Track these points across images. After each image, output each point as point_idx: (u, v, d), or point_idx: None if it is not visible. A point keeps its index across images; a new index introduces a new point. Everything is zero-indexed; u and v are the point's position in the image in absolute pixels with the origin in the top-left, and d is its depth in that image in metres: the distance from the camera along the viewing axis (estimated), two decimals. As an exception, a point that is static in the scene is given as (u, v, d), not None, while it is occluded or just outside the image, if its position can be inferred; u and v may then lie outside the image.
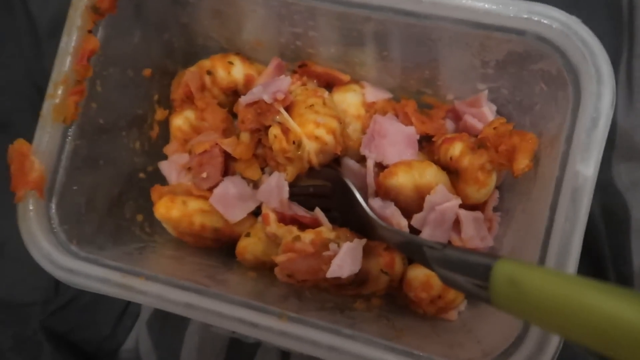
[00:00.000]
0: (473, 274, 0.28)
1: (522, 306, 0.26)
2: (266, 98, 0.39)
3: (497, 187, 0.42)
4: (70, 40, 0.34)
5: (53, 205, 0.36)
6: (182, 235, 0.45)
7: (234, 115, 0.47)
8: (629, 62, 0.44)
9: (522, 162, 0.36)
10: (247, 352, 0.46)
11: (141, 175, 0.46)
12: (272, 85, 0.40)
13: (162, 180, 0.47)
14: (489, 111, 0.42)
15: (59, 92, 0.35)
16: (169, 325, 0.47)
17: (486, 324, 0.36)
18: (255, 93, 0.40)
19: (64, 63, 0.35)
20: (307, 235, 0.38)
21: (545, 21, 0.31)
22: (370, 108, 0.44)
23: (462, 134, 0.42)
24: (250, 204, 0.44)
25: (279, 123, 0.39)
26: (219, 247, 0.46)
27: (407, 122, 0.44)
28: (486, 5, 0.31)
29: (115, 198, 0.43)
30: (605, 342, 0.23)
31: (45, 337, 0.48)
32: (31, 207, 0.35)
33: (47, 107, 0.35)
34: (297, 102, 0.40)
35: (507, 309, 0.28)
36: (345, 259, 0.37)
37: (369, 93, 0.45)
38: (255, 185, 0.44)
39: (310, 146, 0.39)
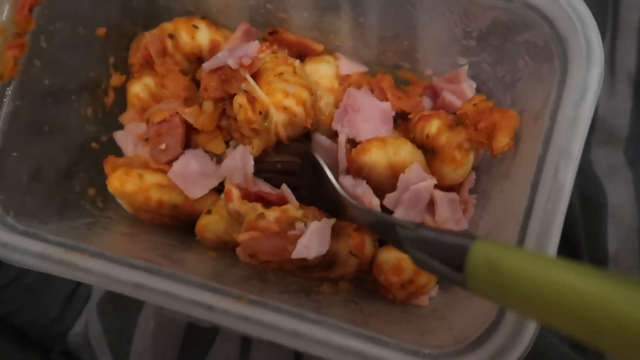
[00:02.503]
0: (448, 256, 0.26)
1: (500, 290, 0.24)
2: (231, 63, 0.36)
3: (474, 169, 0.40)
4: (8, -14, 0.30)
5: (-13, 173, 0.32)
6: (137, 212, 0.42)
7: (198, 85, 0.43)
8: (612, 43, 0.42)
9: (502, 141, 0.34)
10: (206, 337, 0.44)
11: (94, 145, 0.42)
12: (238, 49, 0.37)
13: (117, 152, 0.43)
14: (468, 88, 0.40)
15: (-4, 45, 0.31)
16: (121, 309, 0.44)
17: (458, 311, 0.35)
18: (220, 58, 0.37)
19: (1, 12, 0.31)
20: (272, 213, 0.35)
21: (534, -14, 0.28)
22: (344, 81, 0.42)
23: (440, 111, 0.40)
24: (213, 180, 0.41)
25: (245, 91, 0.36)
26: (178, 225, 0.43)
27: (383, 97, 0.41)
28: (472, -34, 0.28)
29: (63, 169, 0.39)
30: (585, 327, 0.21)
31: None
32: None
33: (-19, 61, 0.31)
34: (265, 69, 0.37)
35: (483, 293, 0.26)
36: (313, 239, 0.34)
37: (344, 65, 0.42)
38: (219, 160, 0.41)
39: (278, 117, 0.36)
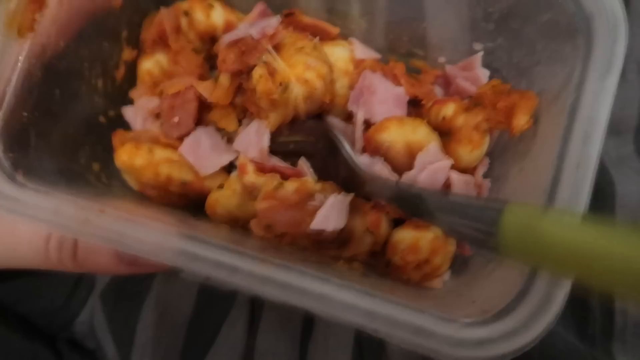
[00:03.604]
0: (480, 221, 0.26)
1: (535, 251, 0.24)
2: (254, 33, 0.35)
3: (487, 154, 0.40)
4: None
5: (-2, 128, 0.30)
6: (144, 188, 0.40)
7: (210, 64, 0.43)
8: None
9: (522, 119, 0.34)
10: (211, 327, 0.42)
11: (101, 119, 0.41)
12: (259, 23, 0.37)
13: (125, 128, 0.42)
14: (482, 74, 0.40)
15: (16, -4, 0.30)
16: (124, 299, 0.43)
17: (477, 288, 0.34)
18: (241, 29, 0.37)
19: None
20: (291, 184, 0.34)
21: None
22: (359, 65, 0.42)
23: (454, 97, 0.40)
24: (225, 157, 0.40)
25: (265, 63, 0.36)
26: (185, 205, 0.42)
27: (396, 83, 0.42)
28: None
29: (70, 138, 0.37)
30: (627, 284, 0.21)
31: None
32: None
33: (0, 13, 0.30)
34: (285, 44, 0.37)
35: (517, 256, 0.26)
36: (331, 211, 0.34)
37: (358, 51, 0.42)
38: (230, 139, 0.41)
39: (298, 90, 0.36)
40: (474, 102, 0.37)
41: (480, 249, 0.36)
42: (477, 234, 0.26)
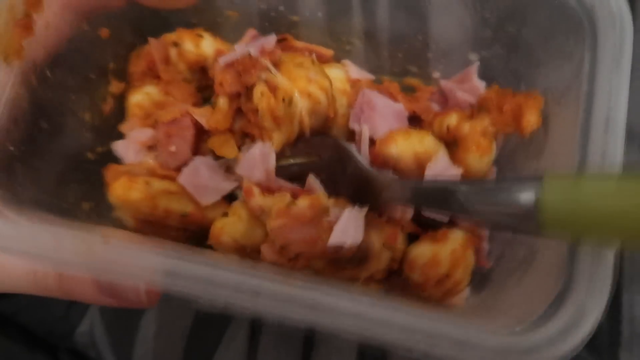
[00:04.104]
0: (516, 203, 0.25)
1: (581, 223, 0.23)
2: (252, 51, 0.35)
3: (494, 162, 0.39)
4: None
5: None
6: (141, 225, 0.38)
7: (202, 95, 0.42)
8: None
9: (532, 119, 0.34)
10: (210, 339, 0.41)
11: (89, 155, 0.39)
12: (256, 42, 0.36)
13: (114, 164, 0.40)
14: (480, 83, 0.40)
15: (2, 20, 0.28)
16: (123, 311, 0.42)
17: (507, 298, 0.32)
18: (238, 51, 0.36)
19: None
20: (304, 201, 0.32)
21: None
22: (355, 84, 0.41)
23: (454, 108, 0.40)
24: (225, 186, 0.38)
25: (266, 81, 0.35)
26: (184, 240, 0.39)
27: (394, 100, 0.41)
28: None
29: (57, 174, 0.35)
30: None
31: None
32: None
33: (-15, 37, 0.28)
34: (283, 61, 0.36)
35: (561, 231, 0.24)
36: (349, 224, 0.32)
37: (352, 72, 0.42)
38: (229, 168, 0.39)
39: (302, 104, 0.34)
40: (478, 107, 0.37)
41: (518, 233, 0.35)
42: (515, 218, 0.25)
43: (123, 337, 0.41)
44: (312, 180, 0.35)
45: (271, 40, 0.35)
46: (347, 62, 0.43)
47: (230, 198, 0.38)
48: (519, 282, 0.32)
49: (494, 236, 0.38)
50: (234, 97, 0.37)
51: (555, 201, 0.23)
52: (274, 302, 0.25)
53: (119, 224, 0.38)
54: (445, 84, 0.42)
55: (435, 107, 0.43)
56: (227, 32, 0.42)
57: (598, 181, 0.22)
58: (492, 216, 0.25)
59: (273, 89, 0.35)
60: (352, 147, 0.36)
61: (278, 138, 0.35)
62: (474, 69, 0.40)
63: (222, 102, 0.37)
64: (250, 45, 0.36)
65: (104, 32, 0.38)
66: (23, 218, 0.28)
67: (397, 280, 0.37)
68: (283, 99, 0.34)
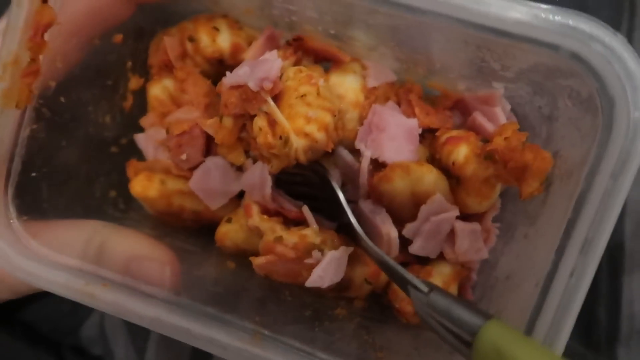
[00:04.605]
0: (458, 329, 0.26)
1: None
2: (252, 86, 0.34)
3: (500, 195, 0.38)
4: (20, 13, 0.29)
5: (9, 198, 0.32)
6: (160, 215, 0.42)
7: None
8: (629, 35, 0.40)
9: (532, 185, 0.32)
10: None
11: (114, 149, 0.42)
12: (260, 68, 0.35)
13: (138, 154, 0.43)
14: (501, 112, 0.37)
15: (8, 75, 0.30)
16: None
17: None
18: (241, 76, 0.35)
19: (13, 40, 0.29)
20: (291, 238, 0.35)
21: (584, 39, 0.26)
22: (371, 94, 0.40)
23: (469, 134, 0.38)
24: (233, 188, 0.41)
25: (266, 113, 0.35)
26: (199, 227, 0.43)
27: (410, 111, 0.40)
28: (517, 15, 0.26)
29: (82, 178, 0.39)
30: None
31: None
32: (-17, 201, 0.31)
33: (-5, 91, 0.30)
34: (287, 88, 0.35)
35: None
36: (328, 268, 0.34)
37: (372, 76, 0.40)
38: (239, 167, 0.41)
39: (298, 143, 0.35)
40: (485, 155, 0.35)
41: (454, 351, 0.36)
42: (453, 341, 0.27)
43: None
44: (306, 211, 0.36)
45: (275, 69, 0.34)
46: (368, 63, 0.40)
47: (241, 195, 0.41)
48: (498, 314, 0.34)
49: (482, 268, 0.39)
50: (239, 116, 0.37)
51: (487, 347, 0.24)
52: (239, 357, 0.30)
53: (142, 209, 0.43)
54: (469, 97, 0.39)
55: (457, 116, 0.41)
56: (246, 19, 0.41)
57: (532, 352, 0.23)
58: (431, 322, 0.27)
59: (272, 122, 0.35)
60: (340, 193, 0.36)
61: (276, 164, 0.36)
62: (498, 95, 0.37)
63: (227, 121, 0.37)
64: (254, 69, 0.35)
65: (117, 38, 0.38)
66: (45, 247, 0.33)
67: (381, 300, 0.40)
68: (280, 137, 0.34)
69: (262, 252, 0.36)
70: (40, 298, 0.45)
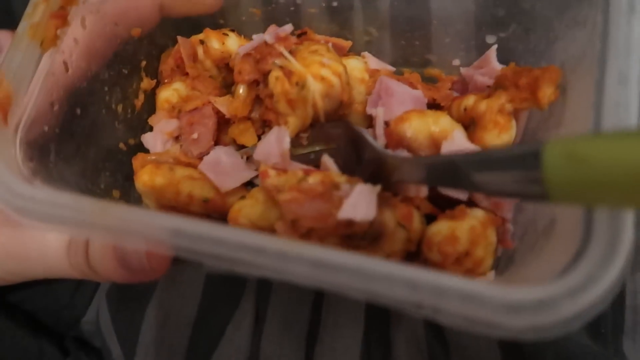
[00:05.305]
0: (521, 169, 0.24)
1: (588, 184, 0.22)
2: (268, 38, 0.36)
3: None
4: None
5: (18, 137, 0.30)
6: (165, 211, 0.39)
7: (227, 90, 0.44)
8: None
9: (548, 91, 0.33)
10: (216, 328, 0.41)
11: (121, 145, 0.41)
12: (272, 31, 0.37)
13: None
14: (499, 67, 0.40)
15: (39, 11, 0.31)
16: (129, 299, 0.42)
17: (527, 274, 0.31)
18: (255, 40, 0.37)
19: (47, -16, 0.31)
20: (315, 177, 0.33)
21: None
22: (374, 74, 0.42)
23: (473, 91, 0.40)
24: (245, 174, 0.39)
25: (281, 67, 0.36)
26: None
27: (413, 89, 0.42)
28: None
29: (90, 160, 0.37)
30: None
31: None
32: (-8, 129, 0.29)
33: (24, 25, 0.31)
34: (299, 49, 0.38)
35: (570, 196, 0.23)
36: (360, 200, 0.32)
37: (372, 63, 0.43)
38: (249, 158, 0.40)
39: (315, 87, 0.35)
40: (495, 86, 0.36)
41: (529, 201, 0.33)
42: (522, 185, 0.24)
43: (129, 325, 0.41)
44: (326, 159, 0.35)
45: (287, 28, 0.37)
46: (366, 54, 0.43)
47: (250, 186, 0.40)
48: (540, 254, 0.30)
49: (517, 218, 0.37)
50: (252, 85, 0.38)
51: (558, 166, 0.22)
52: (277, 259, 0.25)
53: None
54: (465, 71, 0.42)
55: (456, 95, 0.43)
56: (251, 30, 0.44)
57: (604, 139, 0.21)
58: (498, 185, 0.25)
59: (288, 74, 0.36)
60: (364, 131, 0.36)
61: (293, 122, 0.36)
62: (492, 52, 0.40)
63: (241, 89, 0.38)
64: (266, 33, 0.37)
65: (136, 32, 0.41)
66: (50, 187, 0.30)
67: (416, 263, 0.36)
68: (297, 83, 0.35)
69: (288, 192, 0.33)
70: (39, 289, 0.43)
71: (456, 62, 0.42)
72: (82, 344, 0.44)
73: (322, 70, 0.35)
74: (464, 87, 0.43)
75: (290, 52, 0.37)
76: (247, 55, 0.38)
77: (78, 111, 0.36)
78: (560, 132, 0.32)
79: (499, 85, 0.36)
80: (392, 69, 0.43)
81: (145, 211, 0.27)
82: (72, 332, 0.44)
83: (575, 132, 0.30)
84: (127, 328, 0.41)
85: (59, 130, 0.34)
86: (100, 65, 0.37)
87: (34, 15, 0.31)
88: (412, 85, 0.42)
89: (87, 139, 0.37)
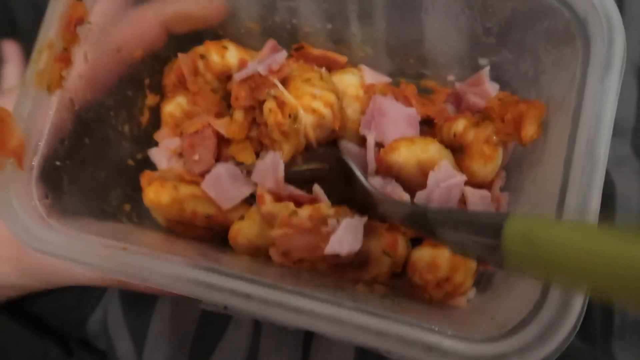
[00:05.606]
0: (483, 236, 0.26)
1: (539, 264, 0.24)
2: (261, 70, 0.37)
3: (504, 167, 0.40)
4: (58, 6, 0.33)
5: (32, 178, 0.33)
6: (172, 225, 0.42)
7: (227, 102, 0.45)
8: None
9: (531, 129, 0.34)
10: (219, 325, 0.44)
11: (129, 162, 0.44)
12: (267, 59, 0.39)
13: (152, 169, 0.44)
14: (491, 88, 0.40)
15: (43, 57, 0.33)
16: (141, 293, 0.45)
17: (500, 303, 0.34)
18: (250, 67, 0.39)
19: (50, 29, 0.33)
20: (305, 211, 0.35)
21: (549, -28, 0.30)
22: (369, 90, 0.43)
23: (465, 112, 0.40)
24: (244, 190, 0.42)
25: (274, 97, 0.38)
26: (211, 237, 0.43)
27: (408, 105, 0.42)
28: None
29: (101, 181, 0.40)
30: (629, 289, 0.21)
31: None
32: (9, 177, 0.32)
33: (31, 72, 0.33)
34: (293, 77, 0.39)
35: (522, 270, 0.25)
36: (345, 234, 0.34)
37: (368, 76, 0.44)
38: (249, 172, 0.42)
39: (307, 119, 0.37)
40: (482, 116, 0.37)
41: (488, 265, 0.36)
42: (483, 249, 0.26)
43: (139, 317, 0.44)
44: (317, 189, 0.37)
45: (280, 57, 0.38)
46: (363, 66, 0.44)
47: (251, 200, 0.42)
48: (511, 288, 0.33)
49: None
50: (249, 109, 0.40)
51: (515, 240, 0.23)
52: (264, 305, 0.29)
53: (155, 223, 0.43)
54: (459, 86, 0.43)
55: (451, 108, 0.44)
56: (250, 41, 0.45)
57: (559, 224, 0.23)
58: (462, 245, 0.27)
59: (281, 104, 0.37)
60: (353, 164, 0.38)
61: (287, 149, 0.38)
62: (485, 72, 0.40)
63: (238, 114, 0.40)
64: (261, 62, 0.38)
65: (138, 54, 0.42)
66: (64, 226, 0.33)
67: (401, 282, 0.39)
68: (289, 115, 0.37)
69: (279, 228, 0.36)
70: (46, 292, 0.45)
71: (451, 77, 0.43)
72: (86, 346, 0.46)
73: (314, 102, 0.37)
74: (458, 100, 0.43)
75: (284, 80, 0.38)
76: (243, 81, 0.39)
77: (87, 140, 0.38)
78: (538, 173, 0.34)
79: (486, 115, 0.37)
80: (389, 80, 0.44)
81: (147, 258, 0.30)
82: (77, 334, 0.46)
83: (547, 177, 0.31)
84: (138, 320, 0.45)
85: (70, 161, 0.37)
86: (106, 92, 0.39)
87: (39, 60, 0.33)
88: (406, 101, 0.43)
89: (97, 163, 0.40)
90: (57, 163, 0.36)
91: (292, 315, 0.28)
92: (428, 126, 0.43)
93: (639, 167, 0.43)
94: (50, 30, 0.33)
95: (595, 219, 0.27)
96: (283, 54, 0.39)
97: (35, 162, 0.34)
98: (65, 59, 0.34)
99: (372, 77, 0.44)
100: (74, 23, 0.34)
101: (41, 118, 0.34)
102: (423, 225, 0.31)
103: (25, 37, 0.53)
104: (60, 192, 0.36)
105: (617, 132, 0.26)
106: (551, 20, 0.32)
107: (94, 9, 0.35)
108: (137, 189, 0.43)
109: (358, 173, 0.37)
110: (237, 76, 0.39)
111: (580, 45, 0.30)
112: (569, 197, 0.28)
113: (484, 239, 0.26)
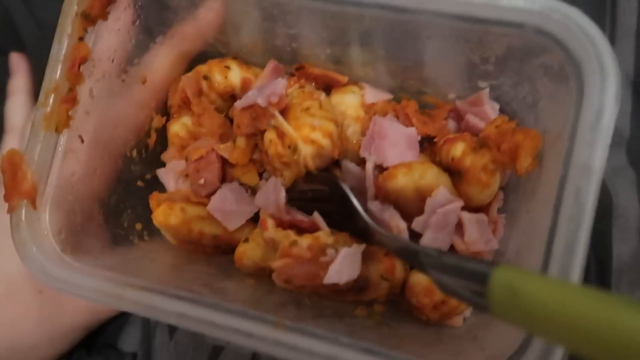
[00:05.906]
0: (470, 282, 0.27)
1: (521, 316, 0.25)
2: (260, 102, 0.38)
3: (502, 188, 0.40)
4: (61, 48, 0.34)
5: (46, 216, 0.35)
6: (181, 243, 0.44)
7: (231, 121, 0.46)
8: (611, 46, 0.44)
9: (526, 161, 0.34)
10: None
11: (139, 183, 0.45)
12: (266, 88, 0.39)
13: (161, 188, 0.46)
14: (491, 109, 0.41)
15: (50, 100, 0.35)
16: None
17: (492, 331, 0.35)
18: (250, 97, 0.39)
19: (55, 71, 0.34)
20: (305, 240, 0.37)
21: (544, 13, 0.29)
22: (370, 109, 0.43)
23: (464, 133, 0.41)
24: (249, 211, 0.43)
25: (274, 127, 0.39)
26: (219, 254, 0.45)
27: (408, 123, 0.43)
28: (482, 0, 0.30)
29: (112, 207, 0.42)
30: (608, 354, 0.22)
31: None
32: (23, 218, 0.34)
33: (39, 116, 0.35)
34: (292, 105, 0.39)
35: (506, 318, 0.26)
36: (343, 264, 0.36)
37: (369, 94, 0.44)
38: (253, 191, 0.44)
39: (306, 150, 0.38)
40: (479, 143, 0.37)
41: (473, 308, 0.37)
42: (469, 295, 0.27)
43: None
44: (317, 217, 0.38)
45: (280, 87, 0.38)
46: (364, 84, 0.44)
47: (256, 218, 0.44)
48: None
49: (494, 257, 0.40)
50: (251, 135, 0.41)
51: (500, 291, 0.24)
52: (264, 343, 0.31)
53: (166, 240, 0.45)
54: (460, 104, 0.43)
55: (452, 124, 0.44)
56: (254, 58, 0.46)
57: (544, 282, 0.24)
58: (449, 285, 0.28)
59: (281, 134, 0.38)
60: (351, 193, 0.38)
61: (288, 175, 0.39)
62: (485, 94, 0.40)
63: (240, 141, 0.41)
64: (261, 91, 0.39)
65: (143, 79, 0.43)
66: (79, 262, 0.35)
67: (399, 302, 0.40)
68: (289, 146, 0.38)
69: (280, 258, 0.37)
70: None
71: (452, 95, 0.43)
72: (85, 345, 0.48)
73: (313, 134, 0.38)
74: (459, 117, 0.44)
75: (284, 109, 0.39)
76: (245, 109, 0.40)
77: (97, 172, 0.40)
78: (532, 206, 0.34)
79: (483, 143, 0.37)
80: (390, 96, 0.44)
81: (154, 296, 0.32)
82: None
83: (539, 215, 0.32)
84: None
85: (82, 194, 0.38)
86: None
87: (46, 103, 0.35)
88: (407, 118, 0.43)
89: (107, 192, 0.42)
90: (69, 198, 0.37)
91: (291, 354, 0.30)
92: (429, 143, 0.43)
93: (635, 176, 0.43)
94: (54, 72, 0.34)
95: (580, 265, 0.27)
96: (282, 82, 0.39)
97: (48, 200, 0.35)
98: (71, 99, 0.35)
99: (373, 94, 0.44)
100: (78, 63, 0.35)
101: (51, 158, 0.35)
102: (414, 261, 0.32)
103: (31, 51, 0.54)
104: (74, 224, 0.38)
105: (613, 142, 0.27)
106: (546, 57, 0.31)
107: (97, 46, 0.36)
108: (148, 208, 0.45)
109: (355, 202, 0.38)
110: (238, 104, 0.40)
111: (574, 86, 0.29)
112: (556, 242, 0.28)
113: (471, 284, 0.27)
